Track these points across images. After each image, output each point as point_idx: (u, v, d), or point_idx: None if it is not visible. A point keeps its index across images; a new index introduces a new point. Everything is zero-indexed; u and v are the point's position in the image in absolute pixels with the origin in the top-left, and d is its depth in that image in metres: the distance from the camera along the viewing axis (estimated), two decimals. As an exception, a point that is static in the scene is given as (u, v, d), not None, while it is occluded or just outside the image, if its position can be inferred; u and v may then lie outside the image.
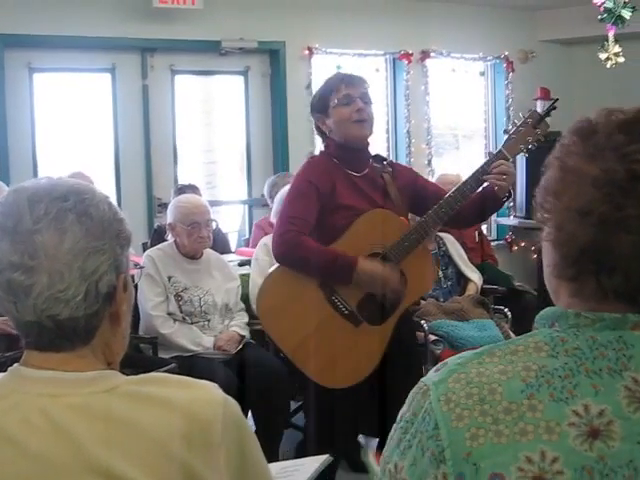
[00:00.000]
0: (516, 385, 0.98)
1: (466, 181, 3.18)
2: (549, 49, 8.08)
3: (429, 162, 7.38)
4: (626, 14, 5.70)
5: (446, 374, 1.03)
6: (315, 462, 2.04)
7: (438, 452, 0.98)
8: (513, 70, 7.84)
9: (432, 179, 6.64)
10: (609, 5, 5.68)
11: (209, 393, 1.20)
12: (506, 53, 7.79)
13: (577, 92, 7.61)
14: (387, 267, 3.08)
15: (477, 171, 3.16)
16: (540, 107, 6.70)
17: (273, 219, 4.47)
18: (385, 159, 3.40)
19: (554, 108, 3.31)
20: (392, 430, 1.06)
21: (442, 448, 0.98)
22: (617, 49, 5.96)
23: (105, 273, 1.18)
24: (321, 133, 3.31)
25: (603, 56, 5.98)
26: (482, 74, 7.88)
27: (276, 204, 4.48)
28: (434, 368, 1.07)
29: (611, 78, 7.01)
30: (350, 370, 3.08)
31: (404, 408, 1.05)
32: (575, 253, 1.00)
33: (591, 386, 0.96)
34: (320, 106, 3.24)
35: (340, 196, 3.16)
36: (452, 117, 7.77)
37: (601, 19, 5.68)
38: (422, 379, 1.04)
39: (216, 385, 1.22)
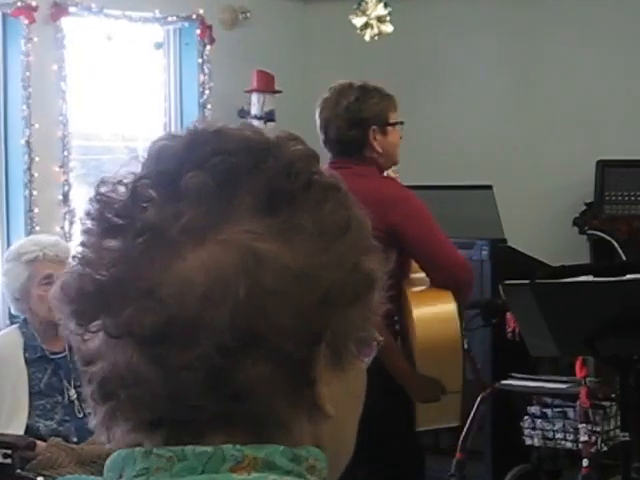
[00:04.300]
0: None
1: None
2: (274, 7, 7.53)
3: (65, 195, 6.46)
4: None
5: None
6: None
7: None
8: (212, 41, 7.07)
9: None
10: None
11: None
12: (200, 12, 6.99)
13: (317, 77, 6.98)
14: None
15: None
16: (258, 106, 6.75)
17: None
18: None
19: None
20: None
21: None
22: (382, 11, 5.94)
23: None
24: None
25: (359, 22, 5.97)
26: (159, 46, 7.02)
27: None
28: None
29: (374, 57, 6.74)
30: None
31: None
32: None
33: None
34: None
35: None
36: (111, 118, 6.93)
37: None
38: None
39: None
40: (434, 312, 4.05)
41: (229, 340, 0.90)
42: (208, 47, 7.06)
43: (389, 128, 4.02)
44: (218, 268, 0.91)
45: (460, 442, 5.35)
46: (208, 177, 0.93)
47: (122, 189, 0.95)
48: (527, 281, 4.55)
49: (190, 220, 0.91)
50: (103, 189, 0.96)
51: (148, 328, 0.90)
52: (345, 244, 0.94)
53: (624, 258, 5.96)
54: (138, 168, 0.96)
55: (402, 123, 4.13)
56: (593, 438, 5.31)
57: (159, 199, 0.93)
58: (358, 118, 3.96)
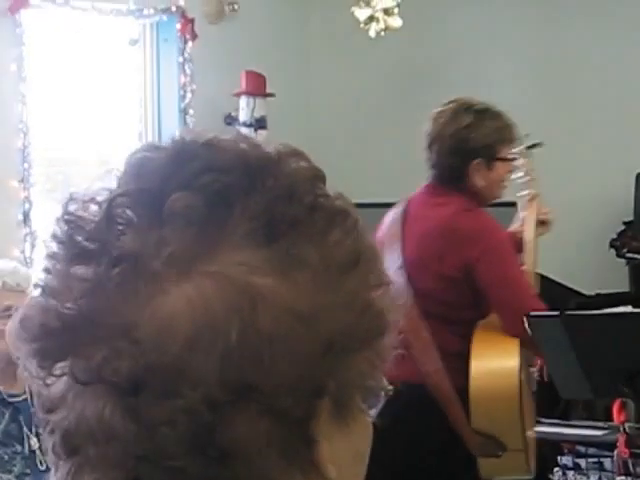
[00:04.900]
0: None
1: None
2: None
3: (26, 215, 6.51)
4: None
5: None
6: None
7: None
8: (195, 37, 7.10)
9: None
10: None
11: None
12: (181, 3, 7.00)
13: (315, 79, 7.41)
14: None
15: None
16: (247, 111, 6.84)
17: None
18: None
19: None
20: None
21: None
22: (389, 2, 6.00)
23: None
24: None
25: (363, 15, 6.02)
26: (134, 43, 6.98)
27: None
28: None
29: (380, 55, 6.90)
30: None
31: None
32: None
33: None
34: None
35: None
36: (79, 125, 6.88)
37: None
38: None
39: None
40: (494, 366, 4.18)
41: (218, 392, 0.89)
42: (190, 44, 7.07)
43: (496, 163, 4.10)
44: (206, 306, 0.89)
45: (482, 497, 5.68)
46: (197, 199, 0.91)
47: (95, 208, 0.93)
48: (556, 312, 4.50)
49: (175, 249, 0.90)
50: (72, 207, 0.94)
51: (123, 375, 0.88)
52: (354, 280, 0.93)
53: (668, 285, 6.38)
54: (113, 184, 0.94)
55: (513, 160, 4.21)
56: (633, 492, 5.32)
57: (139, 222, 0.91)
58: (463, 148, 4.04)
